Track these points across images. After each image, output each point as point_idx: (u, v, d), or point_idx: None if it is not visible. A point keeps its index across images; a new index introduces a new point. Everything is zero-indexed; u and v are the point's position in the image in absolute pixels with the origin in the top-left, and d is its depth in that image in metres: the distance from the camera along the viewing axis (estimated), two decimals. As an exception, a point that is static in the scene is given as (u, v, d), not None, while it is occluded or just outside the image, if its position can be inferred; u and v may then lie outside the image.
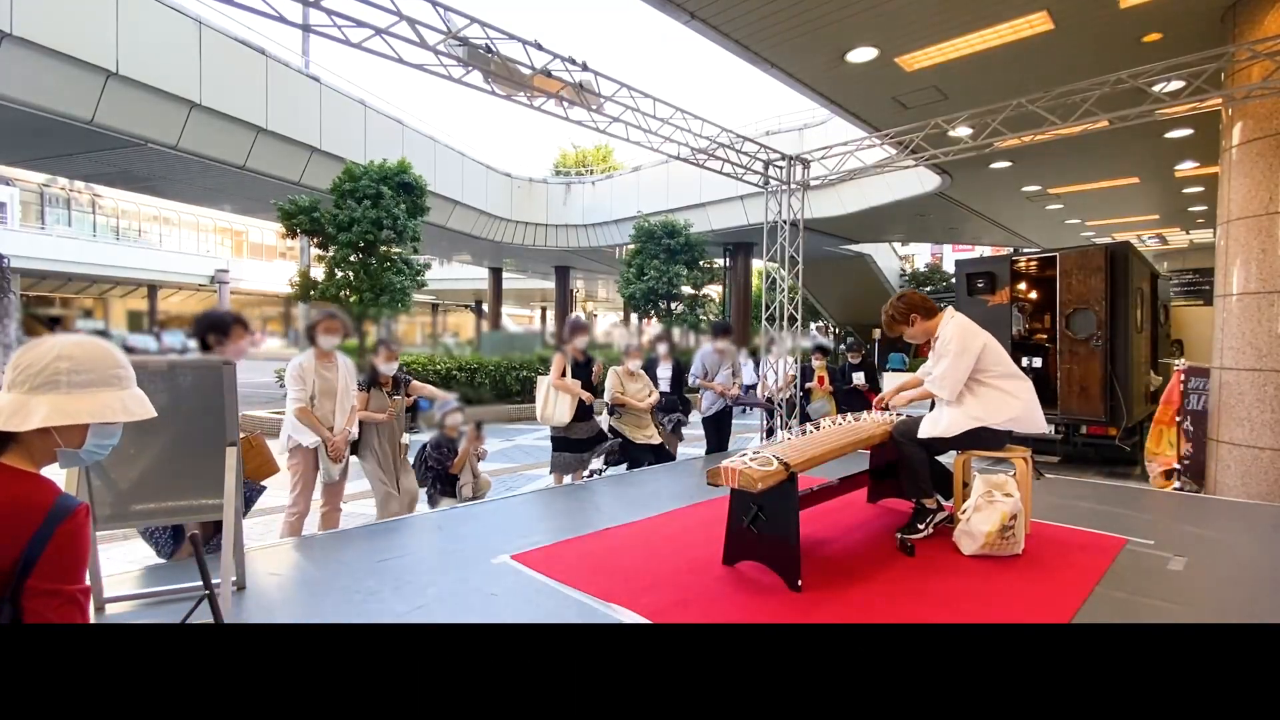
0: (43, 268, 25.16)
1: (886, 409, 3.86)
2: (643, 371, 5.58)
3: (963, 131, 6.67)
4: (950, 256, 28.70)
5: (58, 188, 27.83)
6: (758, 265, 21.38)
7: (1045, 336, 8.69)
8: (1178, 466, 5.83)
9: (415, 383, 4.41)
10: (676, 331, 15.17)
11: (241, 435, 3.24)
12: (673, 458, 5.75)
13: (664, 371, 5.89)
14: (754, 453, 2.95)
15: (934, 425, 3.38)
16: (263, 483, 3.29)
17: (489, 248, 21.65)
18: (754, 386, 6.12)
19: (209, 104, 10.89)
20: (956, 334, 3.31)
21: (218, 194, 15.70)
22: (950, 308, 3.52)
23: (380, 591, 2.77)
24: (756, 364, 6.26)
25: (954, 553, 3.25)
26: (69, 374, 1.12)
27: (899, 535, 3.38)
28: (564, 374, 4.96)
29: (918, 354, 28.57)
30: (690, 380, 6.16)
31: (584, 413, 5.05)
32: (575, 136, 41.22)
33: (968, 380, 3.32)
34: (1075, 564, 3.12)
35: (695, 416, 6.37)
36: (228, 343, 3.14)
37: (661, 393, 5.85)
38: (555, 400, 4.94)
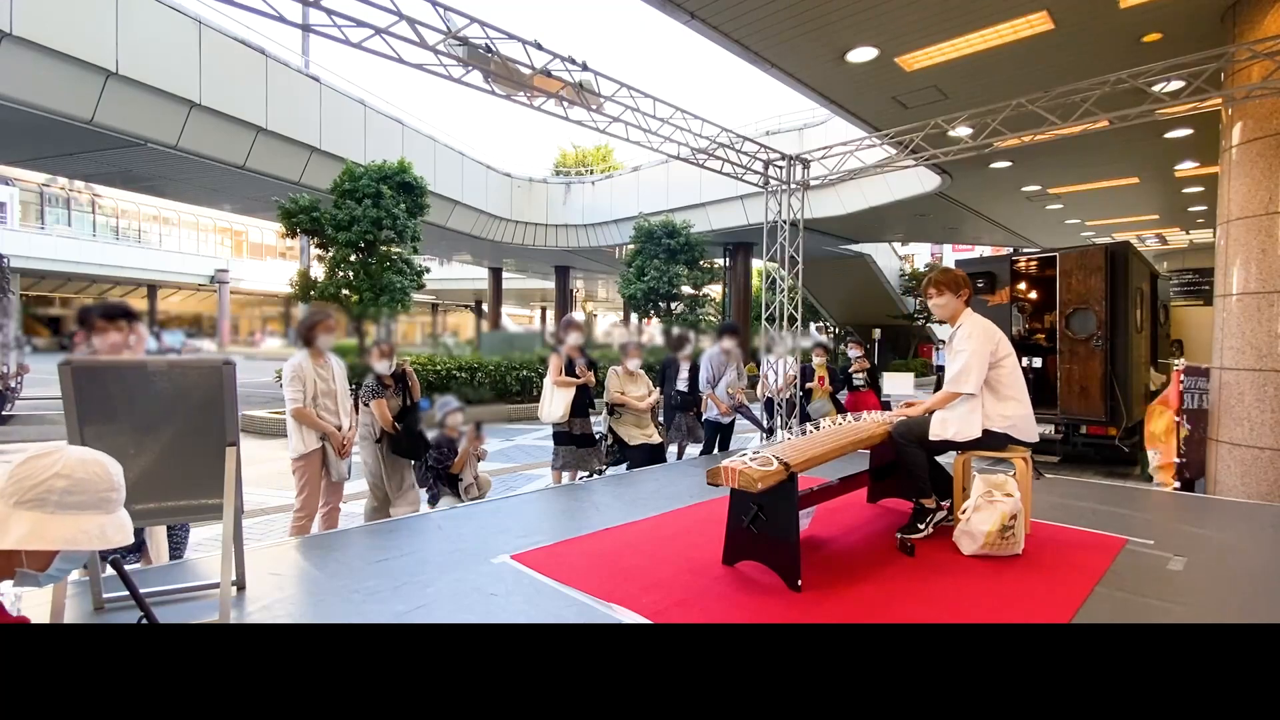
0: (43, 267, 25.18)
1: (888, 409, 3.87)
2: (642, 372, 5.59)
3: (963, 131, 6.67)
4: (950, 256, 28.67)
5: (58, 188, 27.84)
6: (758, 265, 21.38)
7: (1045, 336, 8.69)
8: (1177, 461, 5.83)
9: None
10: (692, 333, 15.17)
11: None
12: (665, 459, 5.76)
13: (684, 371, 5.95)
14: (754, 453, 2.95)
15: (943, 428, 3.39)
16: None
17: (489, 248, 21.64)
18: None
19: (209, 104, 10.89)
20: (976, 329, 3.37)
21: (218, 194, 15.70)
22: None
23: (380, 591, 2.77)
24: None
25: (954, 553, 3.26)
26: (61, 494, 1.08)
27: (899, 535, 3.38)
28: (561, 373, 5.05)
29: (916, 354, 28.60)
30: (701, 386, 6.18)
31: (580, 409, 5.12)
32: (575, 136, 41.19)
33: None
34: (1075, 564, 3.12)
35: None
36: (93, 336, 2.83)
37: (679, 392, 5.87)
38: (551, 398, 5.05)
